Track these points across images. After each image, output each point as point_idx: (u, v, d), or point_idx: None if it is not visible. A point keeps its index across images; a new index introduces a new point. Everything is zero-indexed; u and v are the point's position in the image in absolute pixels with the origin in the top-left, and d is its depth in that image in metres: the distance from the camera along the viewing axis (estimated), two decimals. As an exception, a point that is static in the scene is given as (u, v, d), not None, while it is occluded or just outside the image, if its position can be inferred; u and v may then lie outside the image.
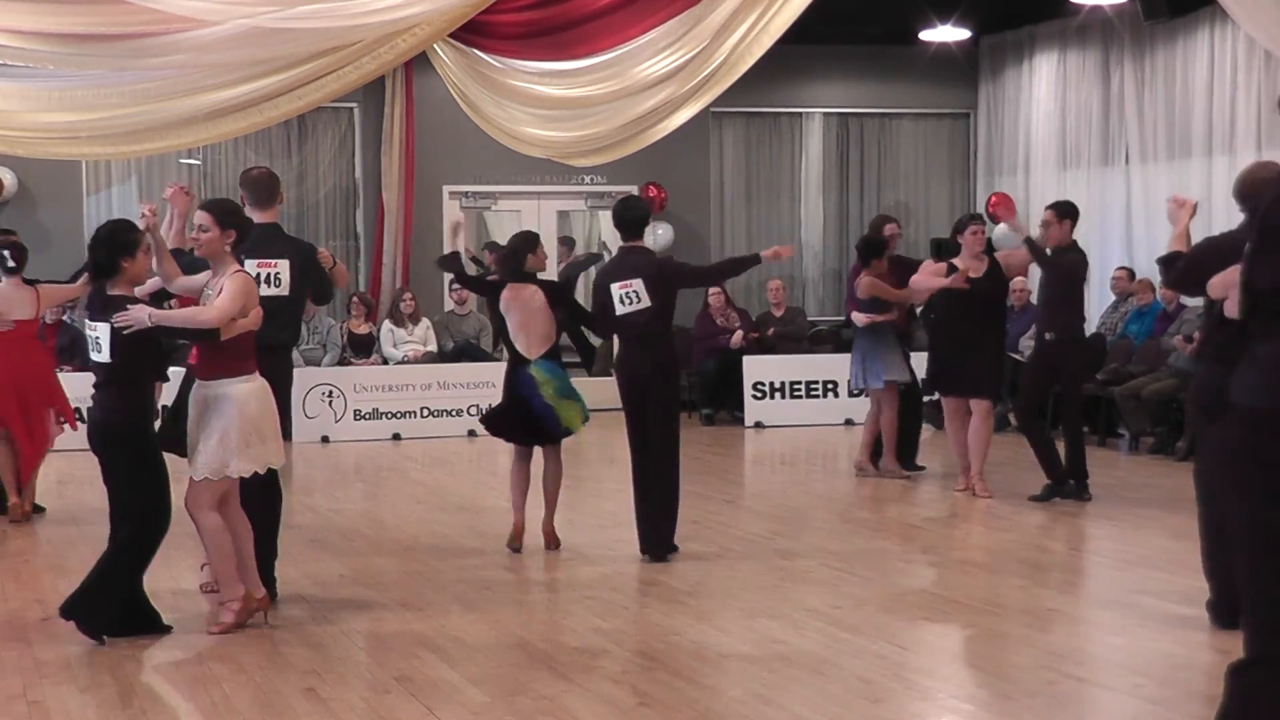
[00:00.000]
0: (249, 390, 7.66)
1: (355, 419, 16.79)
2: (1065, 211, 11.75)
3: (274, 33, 11.45)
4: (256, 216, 8.44)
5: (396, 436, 16.83)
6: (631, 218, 9.81)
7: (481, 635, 7.87)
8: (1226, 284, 6.18)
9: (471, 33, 12.95)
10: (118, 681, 6.97)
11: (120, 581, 7.67)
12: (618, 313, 9.66)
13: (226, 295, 7.55)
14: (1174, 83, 17.29)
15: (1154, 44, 17.53)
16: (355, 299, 18.15)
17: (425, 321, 18.23)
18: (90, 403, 7.95)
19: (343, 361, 17.31)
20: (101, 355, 7.54)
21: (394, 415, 16.93)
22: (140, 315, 7.44)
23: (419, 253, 18.75)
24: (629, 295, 9.62)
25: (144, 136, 12.81)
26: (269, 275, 8.40)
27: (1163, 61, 17.47)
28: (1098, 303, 16.72)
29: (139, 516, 7.63)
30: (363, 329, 17.95)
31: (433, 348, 18.03)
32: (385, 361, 17.71)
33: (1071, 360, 11.81)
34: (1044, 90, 19.53)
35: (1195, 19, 16.64)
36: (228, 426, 7.58)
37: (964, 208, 20.74)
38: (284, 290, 8.44)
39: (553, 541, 10.05)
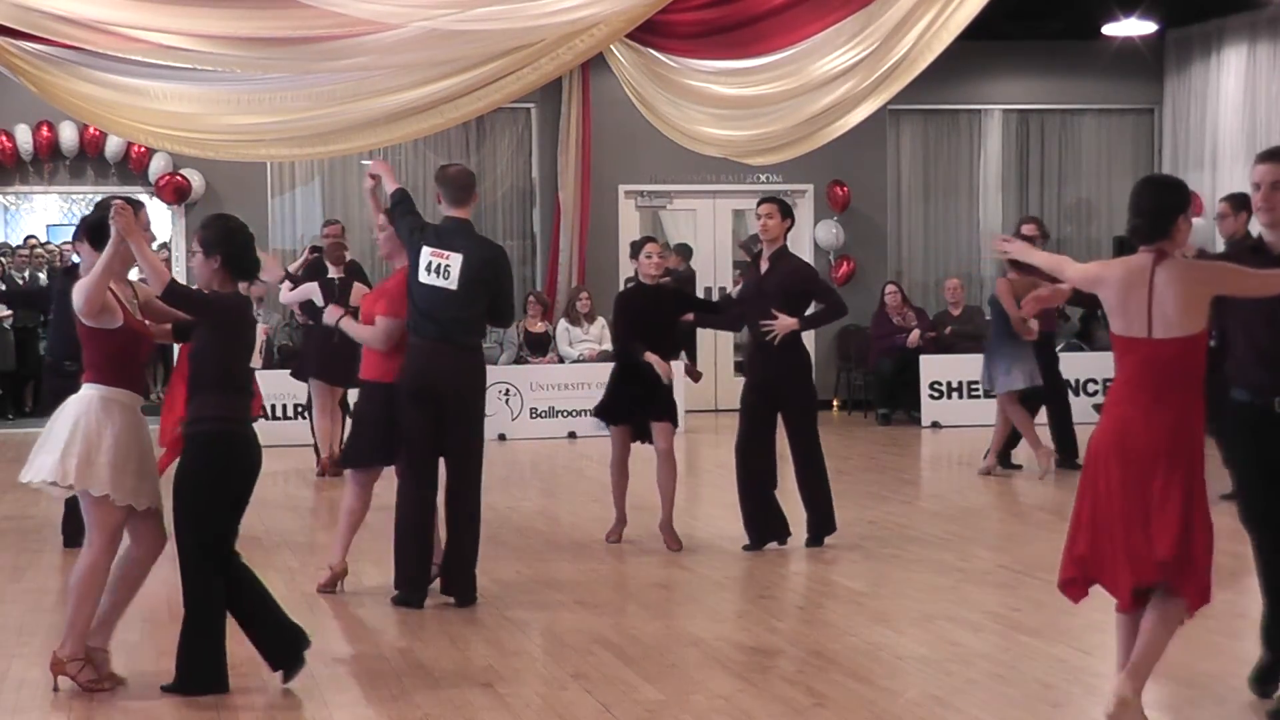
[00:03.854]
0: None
1: (531, 417, 16.94)
2: (1241, 203, 11.47)
3: (454, 35, 11.56)
4: (451, 213, 8.67)
5: (572, 435, 16.94)
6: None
7: (657, 633, 7.88)
8: None
9: (648, 32, 12.95)
10: (300, 675, 7.08)
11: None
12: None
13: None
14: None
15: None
16: (532, 298, 18.31)
17: (601, 320, 18.31)
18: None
19: (519, 360, 17.47)
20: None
21: (570, 413, 17.05)
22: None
23: (595, 252, 18.86)
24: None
25: (328, 138, 13.02)
26: (438, 266, 8.47)
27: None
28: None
29: None
30: (539, 328, 18.09)
31: (608, 346, 18.10)
32: (561, 360, 17.84)
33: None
34: (1232, 84, 19.05)
35: (1391, 9, 16.15)
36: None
37: (1148, 206, 20.32)
38: (450, 284, 8.45)
39: (674, 543, 9.99)
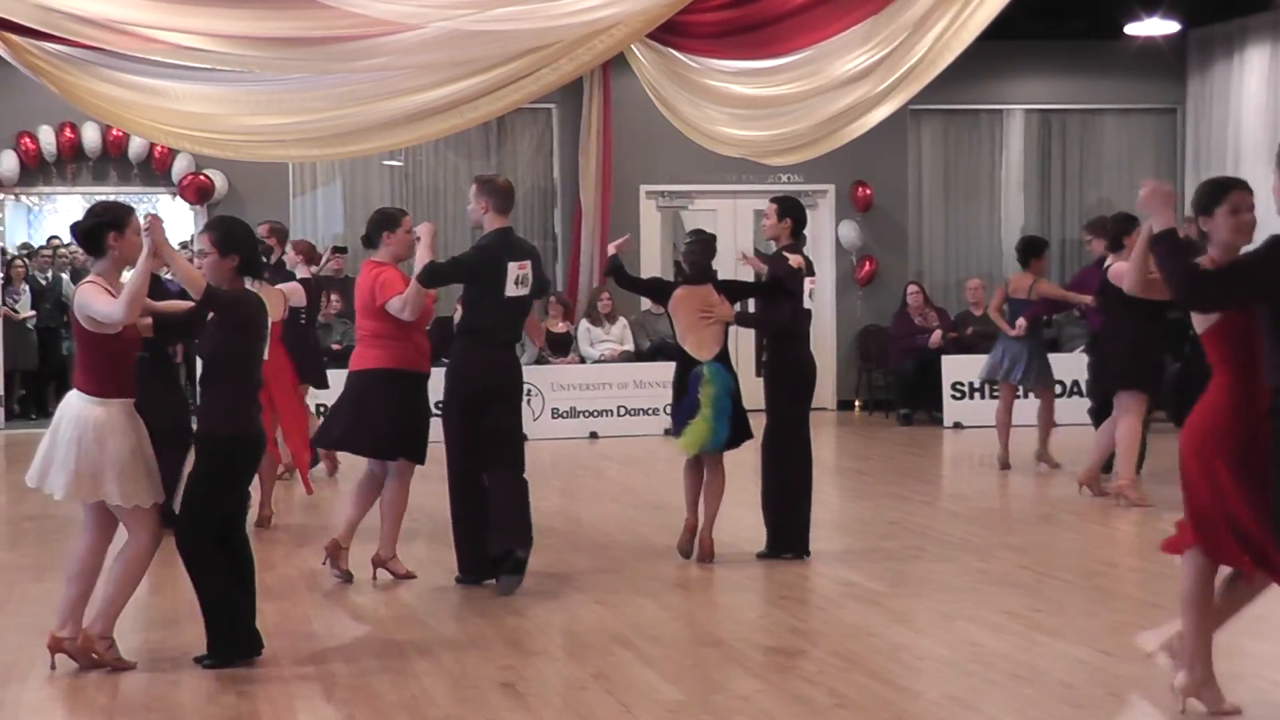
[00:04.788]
0: None
1: (553, 417, 16.95)
2: None
3: (473, 35, 11.57)
4: (496, 222, 8.97)
5: (593, 435, 16.95)
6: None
7: (677, 633, 7.88)
8: None
9: (668, 32, 12.95)
10: (321, 675, 7.10)
11: None
12: (806, 306, 9.76)
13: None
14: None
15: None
16: (553, 298, 18.31)
17: (622, 320, 18.34)
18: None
19: (540, 360, 17.47)
20: None
21: (591, 414, 17.07)
22: None
23: (616, 253, 18.83)
24: (814, 292, 9.88)
25: (348, 139, 13.04)
26: (522, 276, 8.91)
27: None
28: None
29: None
30: (560, 328, 18.10)
31: (629, 347, 18.13)
32: (583, 360, 17.85)
33: None
34: (1255, 84, 18.98)
35: None
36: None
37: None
38: (529, 289, 8.98)
39: (709, 553, 9.70)
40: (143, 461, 7.07)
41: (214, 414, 7.12)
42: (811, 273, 9.86)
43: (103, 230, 7.10)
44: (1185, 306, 6.15)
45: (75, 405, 7.03)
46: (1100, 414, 12.38)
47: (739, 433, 9.59)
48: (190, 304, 7.35)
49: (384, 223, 9.27)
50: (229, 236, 7.20)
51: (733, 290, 9.94)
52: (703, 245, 9.76)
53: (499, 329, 8.97)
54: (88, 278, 7.17)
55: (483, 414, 8.81)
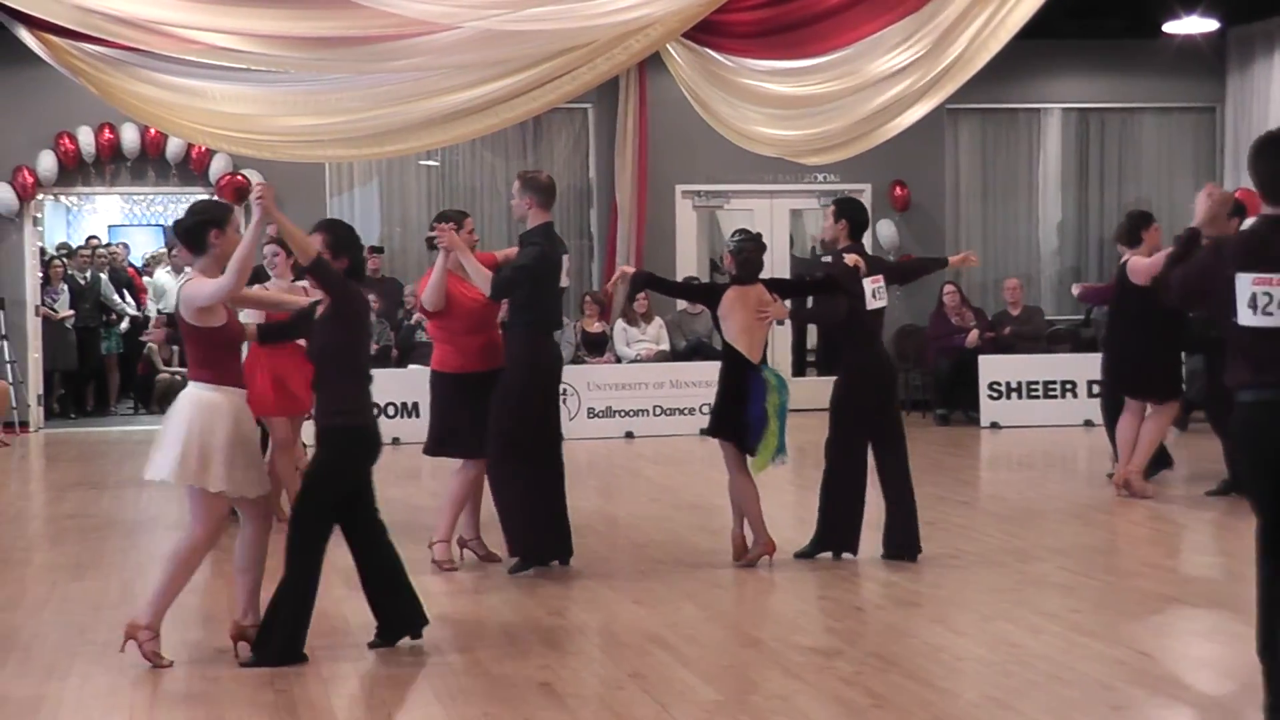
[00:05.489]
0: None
1: (589, 417, 16.95)
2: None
3: (508, 35, 11.59)
4: (541, 217, 9.33)
5: (629, 435, 16.95)
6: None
7: (714, 633, 7.87)
8: None
9: (704, 32, 12.94)
10: (358, 672, 7.12)
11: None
12: (869, 307, 9.65)
13: None
14: None
15: None
16: (589, 298, 18.33)
17: (658, 320, 18.33)
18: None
19: (576, 360, 17.48)
20: None
21: (627, 413, 17.07)
22: None
23: (652, 252, 18.84)
24: (878, 291, 9.68)
25: (385, 139, 13.08)
26: (568, 269, 9.70)
27: None
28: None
29: None
30: (596, 328, 18.11)
31: (665, 346, 18.12)
32: (619, 360, 17.85)
33: None
34: (1295, 82, 18.87)
35: None
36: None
37: (1210, 205, 20.17)
38: (566, 283, 9.67)
39: (743, 553, 9.62)
40: (246, 453, 7.22)
41: (328, 408, 7.30)
42: (873, 272, 9.72)
43: (205, 228, 7.24)
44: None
45: (190, 392, 7.19)
46: (1113, 411, 12.40)
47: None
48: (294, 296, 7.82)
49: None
50: (340, 239, 7.43)
51: (784, 288, 9.91)
52: (755, 244, 9.65)
53: (556, 319, 9.76)
54: (187, 275, 7.37)
55: (550, 401, 9.42)
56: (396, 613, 7.51)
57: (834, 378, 9.89)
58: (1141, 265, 11.61)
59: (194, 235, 7.26)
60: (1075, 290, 14.43)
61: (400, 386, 16.07)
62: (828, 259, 10.08)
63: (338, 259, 7.30)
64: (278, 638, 7.18)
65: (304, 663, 7.19)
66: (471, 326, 9.40)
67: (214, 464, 7.05)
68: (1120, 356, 12.07)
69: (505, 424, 9.13)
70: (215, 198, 16.85)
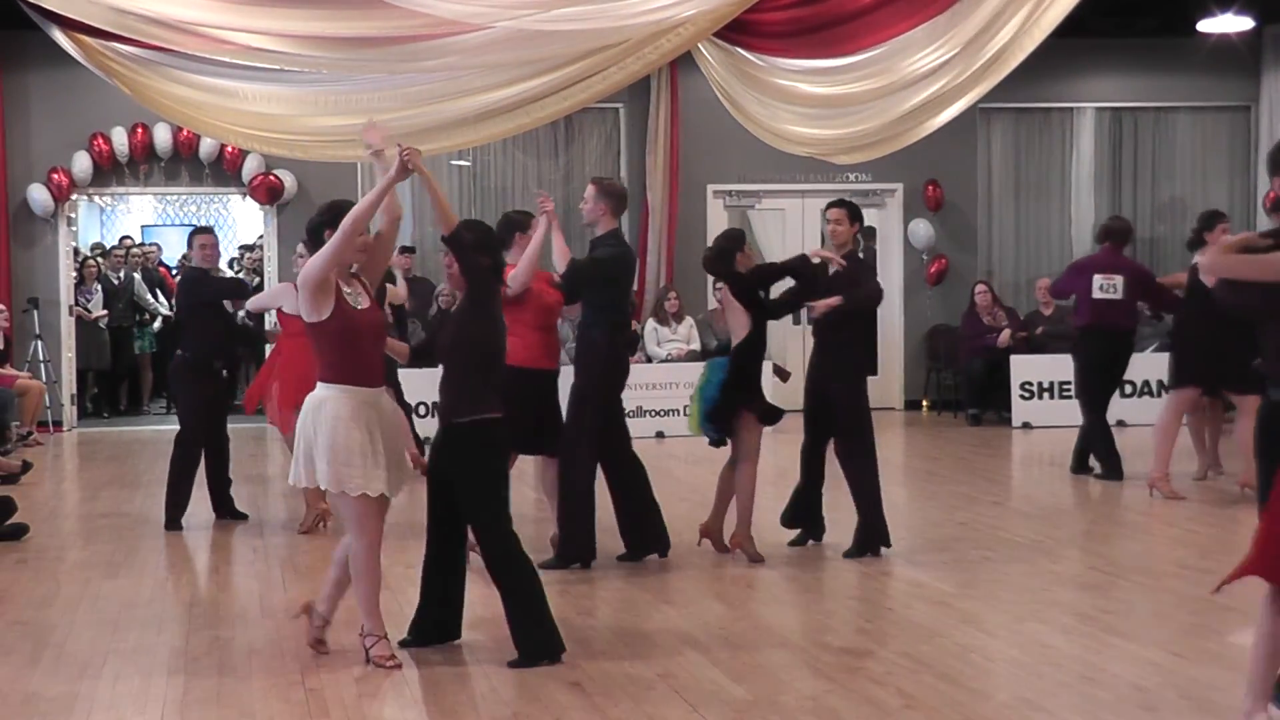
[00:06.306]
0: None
1: (620, 417, 16.92)
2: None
3: (540, 35, 11.61)
4: (612, 224, 9.62)
5: (660, 434, 16.94)
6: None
7: (744, 633, 7.86)
8: None
9: (736, 31, 12.94)
10: (388, 672, 7.12)
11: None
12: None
13: None
14: None
15: None
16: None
17: (689, 320, 18.32)
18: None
19: (608, 360, 17.44)
20: None
21: (658, 413, 17.06)
22: None
23: (683, 252, 18.83)
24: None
25: (416, 138, 13.03)
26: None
27: None
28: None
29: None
30: (627, 328, 18.10)
31: (696, 346, 18.10)
32: (649, 359, 17.84)
33: None
34: (1330, 81, 18.76)
35: None
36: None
37: (1244, 204, 20.08)
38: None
39: (755, 556, 9.71)
40: (389, 451, 7.17)
41: (452, 403, 7.34)
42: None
43: (323, 228, 7.29)
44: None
45: (319, 392, 7.17)
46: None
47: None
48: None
49: (514, 225, 9.67)
50: (483, 238, 7.49)
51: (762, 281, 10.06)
52: (731, 239, 10.05)
53: (630, 319, 10.16)
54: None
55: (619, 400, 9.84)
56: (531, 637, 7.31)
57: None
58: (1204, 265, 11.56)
59: (314, 234, 7.36)
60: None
61: (432, 386, 15.98)
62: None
63: (479, 256, 7.37)
64: (535, 637, 7.21)
65: (562, 652, 7.22)
66: (540, 323, 9.47)
67: (318, 461, 7.00)
68: (1196, 354, 11.96)
69: (588, 422, 9.48)
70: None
